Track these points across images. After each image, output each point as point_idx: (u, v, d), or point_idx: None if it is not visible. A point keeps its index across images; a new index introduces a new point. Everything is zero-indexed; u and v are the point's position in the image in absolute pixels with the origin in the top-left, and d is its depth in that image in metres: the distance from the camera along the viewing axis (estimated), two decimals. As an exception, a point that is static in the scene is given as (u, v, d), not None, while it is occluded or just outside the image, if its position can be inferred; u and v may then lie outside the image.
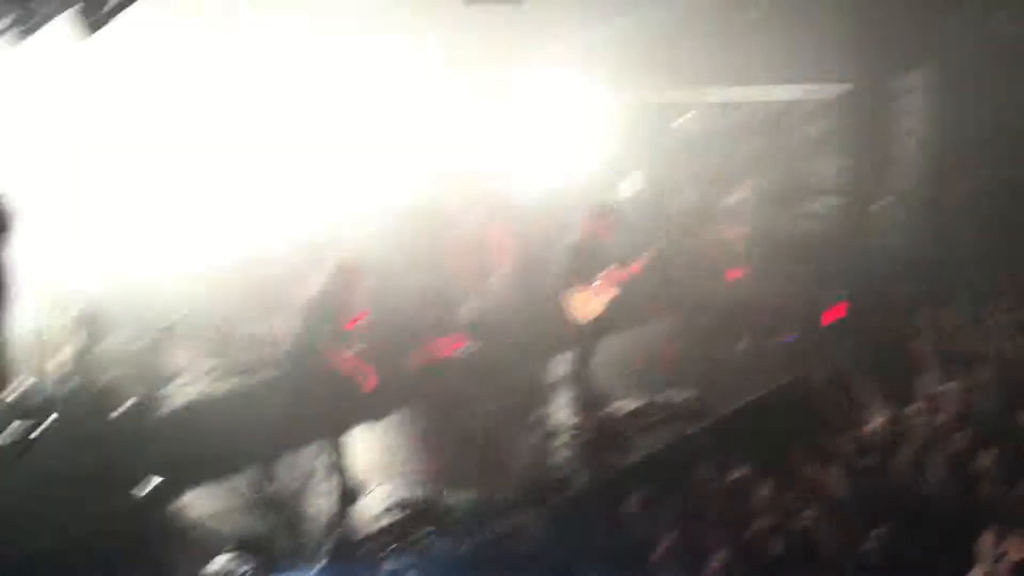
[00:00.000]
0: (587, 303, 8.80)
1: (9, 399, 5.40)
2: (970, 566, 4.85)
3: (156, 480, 6.29)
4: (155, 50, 9.89)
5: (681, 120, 15.11)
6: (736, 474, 6.40)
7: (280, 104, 11.68)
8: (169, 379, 8.11)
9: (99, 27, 4.09)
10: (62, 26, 4.33)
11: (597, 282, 8.79)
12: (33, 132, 9.11)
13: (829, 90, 13.32)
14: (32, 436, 5.33)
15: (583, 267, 8.85)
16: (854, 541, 5.13)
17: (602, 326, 9.21)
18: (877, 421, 6.44)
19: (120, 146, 10.15)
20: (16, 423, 5.37)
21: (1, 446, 5.24)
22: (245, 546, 6.08)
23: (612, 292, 8.87)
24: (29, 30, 4.24)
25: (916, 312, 9.78)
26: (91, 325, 6.72)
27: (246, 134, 11.06)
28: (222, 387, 8.96)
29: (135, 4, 4.07)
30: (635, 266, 9.02)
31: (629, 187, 13.86)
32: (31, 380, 5.77)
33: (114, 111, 10.06)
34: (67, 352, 6.33)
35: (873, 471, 5.89)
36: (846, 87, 13.01)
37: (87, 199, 9.83)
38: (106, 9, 3.98)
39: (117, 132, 10.12)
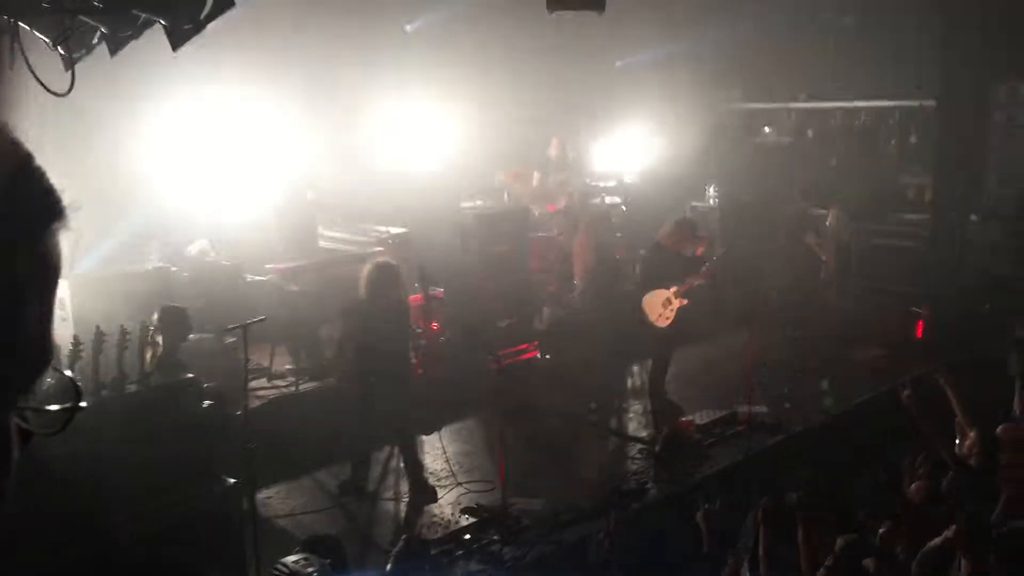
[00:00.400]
0: (662, 309, 8.75)
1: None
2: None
3: (231, 478, 6.40)
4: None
5: (767, 130, 15.01)
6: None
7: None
8: (247, 378, 8.27)
9: (185, 40, 4.23)
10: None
11: (672, 288, 8.74)
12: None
13: (916, 103, 13.12)
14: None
15: (660, 274, 8.81)
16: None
17: (680, 337, 9.14)
18: (968, 439, 6.24)
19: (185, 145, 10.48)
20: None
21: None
22: (314, 547, 6.15)
23: (684, 300, 8.79)
24: (122, 42, 4.38)
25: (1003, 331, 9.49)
26: (174, 324, 6.89)
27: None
28: (298, 388, 9.10)
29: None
30: (706, 273, 8.93)
31: (709, 196, 13.77)
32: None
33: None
34: (150, 350, 6.50)
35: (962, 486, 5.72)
36: (932, 102, 12.79)
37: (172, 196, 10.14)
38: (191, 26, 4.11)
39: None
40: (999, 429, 6.29)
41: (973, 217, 12.28)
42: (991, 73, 12.22)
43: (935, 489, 5.47)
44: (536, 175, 12.15)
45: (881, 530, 5.13)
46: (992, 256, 11.98)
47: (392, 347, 7.59)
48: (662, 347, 9.04)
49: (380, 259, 8.00)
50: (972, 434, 6.10)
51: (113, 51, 4.37)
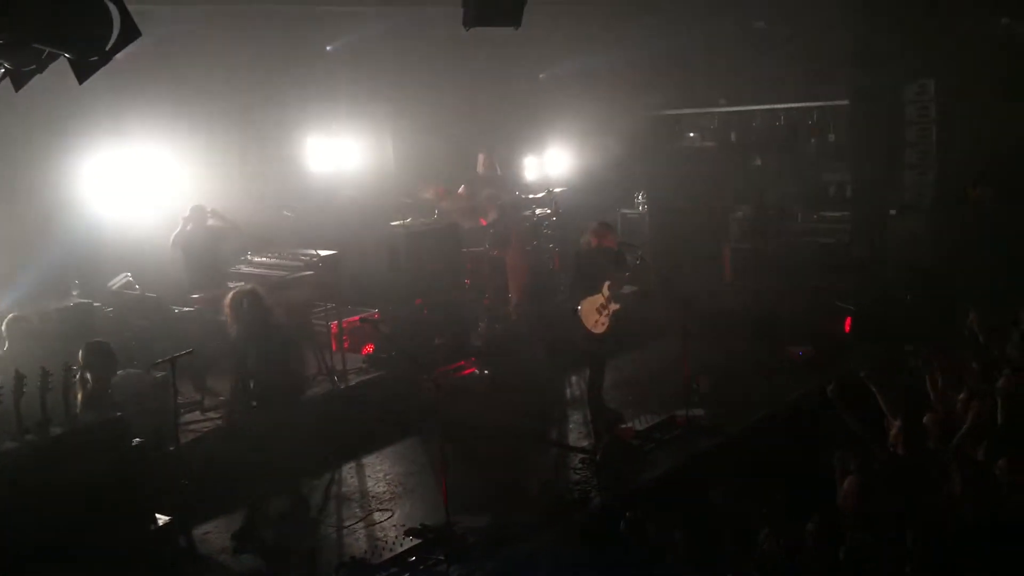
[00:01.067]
0: (598, 316, 8.81)
1: None
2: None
3: (167, 513, 6.27)
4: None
5: (691, 135, 15.26)
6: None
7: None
8: (177, 413, 8.09)
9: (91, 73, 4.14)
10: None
11: (605, 291, 8.81)
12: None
13: (831, 103, 13.47)
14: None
15: (591, 273, 8.93)
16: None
17: (614, 343, 9.21)
18: (892, 430, 6.40)
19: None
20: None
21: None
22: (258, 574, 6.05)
23: (617, 305, 8.88)
24: (26, 76, 4.27)
25: (923, 323, 9.76)
26: (100, 360, 6.71)
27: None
28: (234, 416, 8.93)
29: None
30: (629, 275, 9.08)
31: (638, 203, 13.92)
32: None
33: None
34: (80, 389, 6.34)
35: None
36: (846, 101, 13.16)
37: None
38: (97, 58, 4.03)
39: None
40: (925, 417, 6.47)
41: (892, 212, 12.61)
42: (903, 71, 12.57)
43: (866, 484, 5.58)
44: (463, 190, 12.13)
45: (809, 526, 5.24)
46: (912, 248, 12.30)
47: (271, 374, 7.50)
48: (596, 355, 9.08)
49: (242, 287, 7.86)
50: (896, 424, 6.26)
51: (18, 87, 4.25)
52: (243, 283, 8.04)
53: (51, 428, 5.86)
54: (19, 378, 5.79)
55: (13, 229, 9.32)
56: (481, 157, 12.38)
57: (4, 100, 4.44)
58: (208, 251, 10.04)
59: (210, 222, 10.06)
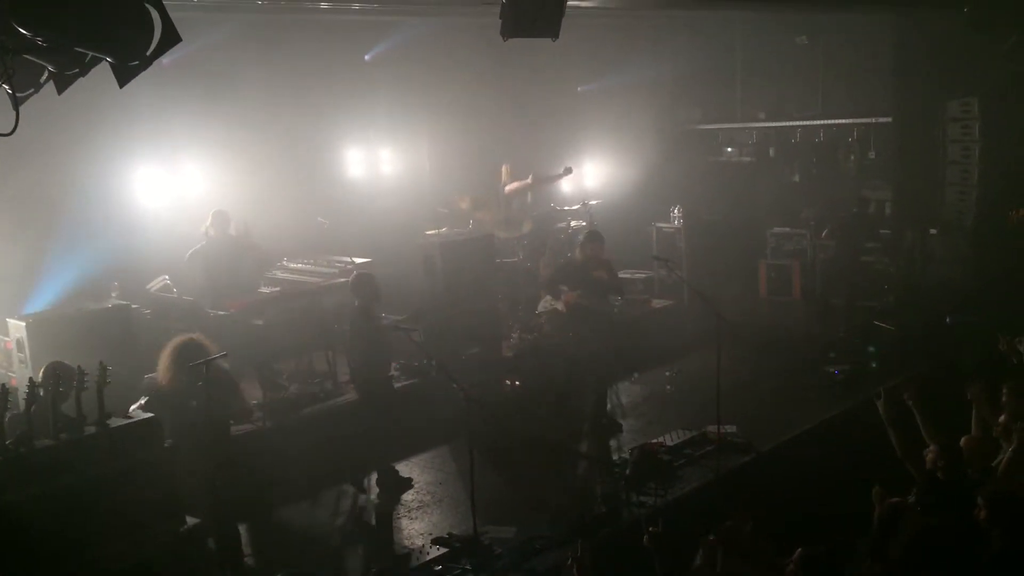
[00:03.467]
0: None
1: None
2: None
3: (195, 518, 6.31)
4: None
5: (729, 150, 15.20)
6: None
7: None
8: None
9: (132, 77, 4.20)
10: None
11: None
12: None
13: (872, 120, 13.37)
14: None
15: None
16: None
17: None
18: (930, 454, 6.27)
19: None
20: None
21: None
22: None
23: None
24: (69, 79, 4.33)
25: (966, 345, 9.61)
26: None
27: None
28: (267, 421, 9.00)
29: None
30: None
31: (674, 217, 13.85)
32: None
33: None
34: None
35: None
36: (888, 119, 13.04)
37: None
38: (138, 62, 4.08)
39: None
40: (962, 440, 6.34)
41: (932, 231, 12.43)
42: (944, 89, 12.43)
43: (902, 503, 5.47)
44: (502, 195, 12.18)
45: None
46: (952, 267, 12.12)
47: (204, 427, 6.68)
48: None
49: (184, 338, 6.98)
50: (932, 448, 6.13)
51: (61, 89, 4.32)
52: (187, 333, 7.06)
53: (86, 427, 5.92)
54: (55, 377, 5.87)
55: (55, 229, 9.47)
56: (504, 168, 12.37)
57: (46, 103, 4.49)
58: (232, 262, 9.86)
59: (232, 232, 10.03)
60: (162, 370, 6.85)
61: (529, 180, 12.10)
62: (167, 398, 6.72)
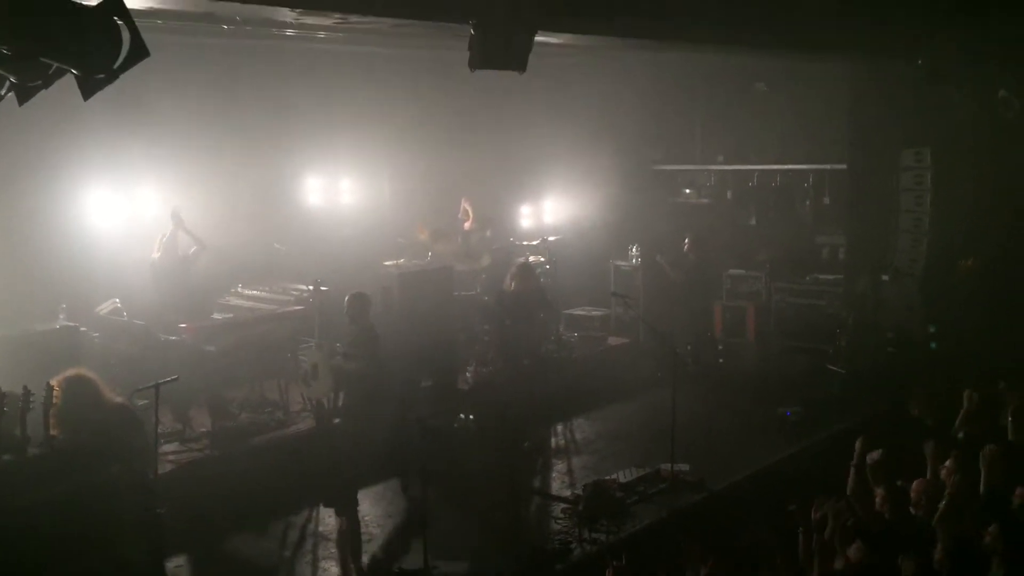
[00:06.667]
0: None
1: None
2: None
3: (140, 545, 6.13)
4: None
5: (687, 191, 15.40)
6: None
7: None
8: (157, 440, 7.99)
9: (97, 90, 4.13)
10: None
11: None
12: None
13: (828, 167, 13.65)
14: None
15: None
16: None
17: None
18: (879, 495, 6.33)
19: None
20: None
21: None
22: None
23: None
24: (31, 91, 4.25)
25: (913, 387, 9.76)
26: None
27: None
28: (217, 450, 8.83)
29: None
30: None
31: (632, 255, 13.94)
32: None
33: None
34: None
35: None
36: (843, 165, 13.32)
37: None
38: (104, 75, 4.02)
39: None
40: (914, 484, 6.41)
41: (884, 277, 12.66)
42: (898, 139, 12.73)
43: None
44: (464, 228, 12.21)
45: None
46: (903, 314, 12.34)
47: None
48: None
49: (71, 373, 6.14)
50: (879, 491, 6.20)
51: (21, 100, 4.24)
52: (71, 369, 6.17)
53: (29, 449, 5.76)
54: (-1, 396, 5.71)
55: (3, 249, 9.26)
56: (463, 202, 12.41)
57: (3, 115, 4.41)
58: (180, 279, 9.94)
59: (191, 251, 10.00)
60: (53, 415, 5.89)
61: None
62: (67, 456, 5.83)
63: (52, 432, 5.92)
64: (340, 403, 8.41)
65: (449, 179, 13.02)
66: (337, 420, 8.32)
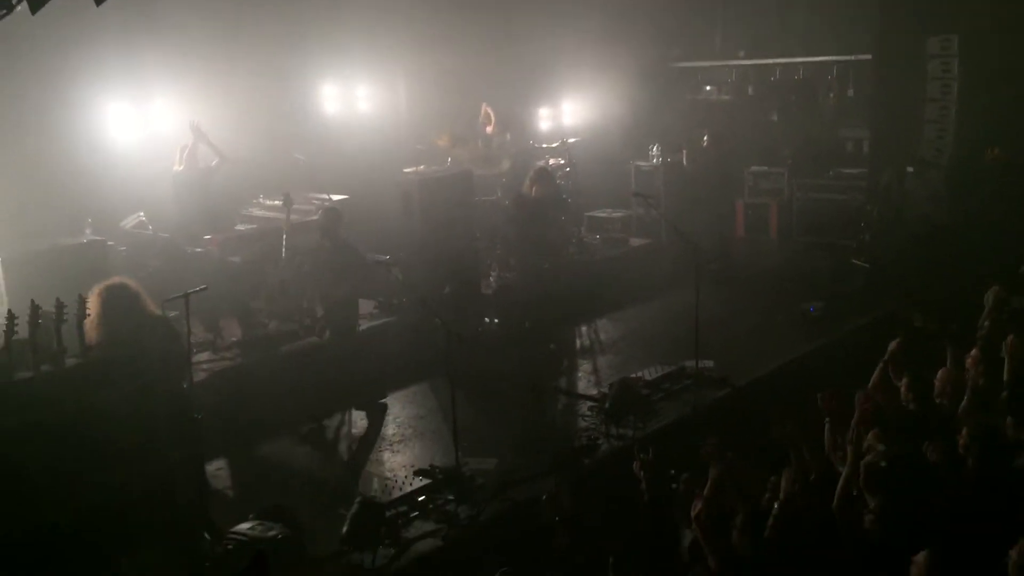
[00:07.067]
0: None
1: None
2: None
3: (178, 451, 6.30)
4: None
5: (708, 88, 15.13)
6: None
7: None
8: (190, 350, 8.13)
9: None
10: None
11: None
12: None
13: (852, 57, 13.33)
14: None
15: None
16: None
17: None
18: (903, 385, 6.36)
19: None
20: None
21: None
22: (268, 515, 6.10)
23: None
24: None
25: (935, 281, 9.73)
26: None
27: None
28: (248, 358, 8.99)
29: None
30: None
31: (653, 155, 13.81)
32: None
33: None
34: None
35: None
36: (867, 56, 13.00)
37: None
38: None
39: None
40: (938, 373, 6.44)
41: (909, 169, 12.48)
42: (924, 26, 12.39)
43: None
44: (486, 132, 12.12)
45: None
46: (929, 206, 12.20)
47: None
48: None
49: (111, 282, 6.25)
50: (904, 381, 6.22)
51: (34, 8, 4.19)
52: (114, 278, 6.35)
53: (66, 359, 5.88)
54: (35, 309, 5.80)
55: (27, 165, 9.29)
56: (483, 108, 12.27)
57: (18, 33, 4.37)
58: (202, 191, 9.90)
59: (213, 163, 9.99)
60: (90, 324, 5.97)
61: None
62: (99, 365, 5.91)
63: (89, 342, 6.02)
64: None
65: (465, 83, 12.86)
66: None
